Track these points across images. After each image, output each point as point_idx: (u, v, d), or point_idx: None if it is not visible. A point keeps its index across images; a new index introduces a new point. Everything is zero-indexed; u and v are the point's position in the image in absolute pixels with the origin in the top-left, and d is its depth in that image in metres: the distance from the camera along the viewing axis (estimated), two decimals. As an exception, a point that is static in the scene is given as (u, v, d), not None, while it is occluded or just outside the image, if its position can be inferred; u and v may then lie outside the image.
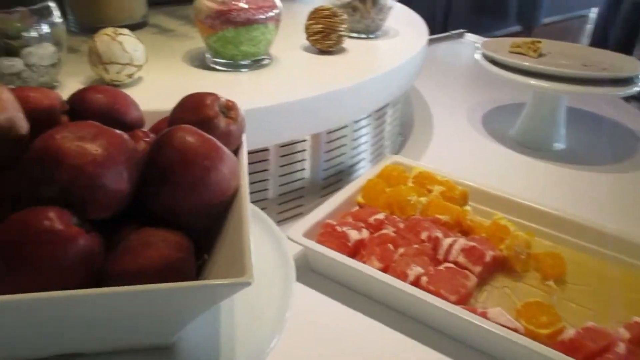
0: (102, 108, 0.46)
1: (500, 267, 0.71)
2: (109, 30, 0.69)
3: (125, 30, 0.70)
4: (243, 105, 0.69)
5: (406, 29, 1.04)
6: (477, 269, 0.68)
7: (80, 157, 0.35)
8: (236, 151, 0.47)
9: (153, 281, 0.33)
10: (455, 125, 1.15)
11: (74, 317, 0.33)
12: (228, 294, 0.34)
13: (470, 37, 1.70)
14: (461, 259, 0.69)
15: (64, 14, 0.92)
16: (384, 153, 0.98)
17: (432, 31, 1.67)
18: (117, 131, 0.38)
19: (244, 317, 0.44)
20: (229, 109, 0.45)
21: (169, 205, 0.38)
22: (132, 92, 0.70)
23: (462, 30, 1.70)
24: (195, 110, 0.43)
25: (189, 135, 0.38)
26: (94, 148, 0.35)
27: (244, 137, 0.48)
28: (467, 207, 0.78)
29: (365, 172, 0.86)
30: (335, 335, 0.63)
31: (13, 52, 0.65)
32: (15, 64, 0.65)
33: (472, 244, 0.70)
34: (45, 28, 0.67)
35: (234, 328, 0.43)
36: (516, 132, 1.09)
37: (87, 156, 0.35)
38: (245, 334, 0.42)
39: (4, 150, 0.38)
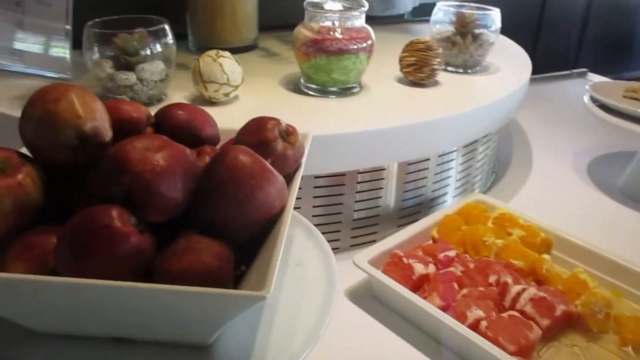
0: (181, 123, 0.52)
1: (574, 324, 0.67)
2: (212, 52, 0.76)
3: (227, 53, 0.77)
4: (325, 130, 0.73)
5: (509, 65, 1.02)
6: (545, 321, 0.65)
7: (142, 165, 0.40)
8: (294, 174, 0.50)
9: (190, 284, 0.37)
10: (557, 169, 1.09)
11: (116, 304, 0.37)
12: (246, 305, 0.37)
13: (593, 77, 1.60)
14: (528, 309, 0.66)
15: (185, 36, 1.03)
16: (471, 189, 0.96)
17: (563, 68, 1.60)
18: (180, 146, 0.43)
19: (282, 326, 0.46)
20: (288, 134, 0.48)
21: (216, 217, 0.42)
22: (227, 110, 0.77)
23: (583, 70, 1.61)
24: (256, 132, 0.47)
25: (241, 155, 0.42)
26: (155, 159, 0.40)
27: (303, 161, 0.51)
28: (546, 256, 0.74)
29: (445, 207, 0.85)
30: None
31: (129, 67, 0.74)
32: (129, 77, 0.73)
33: (542, 294, 0.67)
34: (158, 47, 0.75)
35: (270, 335, 0.45)
36: (624, 183, 1.01)
37: (148, 165, 0.40)
38: (279, 343, 0.45)
39: (90, 153, 0.44)
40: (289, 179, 0.49)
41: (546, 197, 0.99)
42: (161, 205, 0.40)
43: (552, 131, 1.26)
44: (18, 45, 0.85)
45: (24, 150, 0.46)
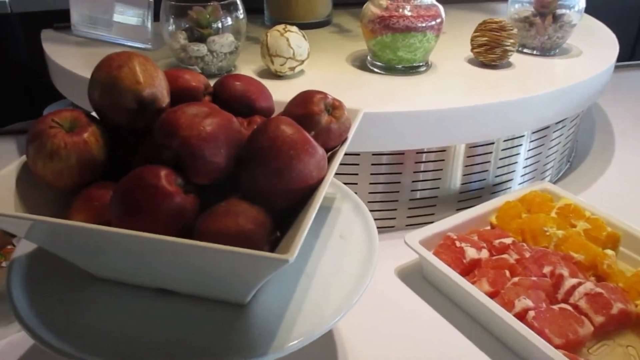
0: (236, 94, 0.54)
1: (632, 324, 0.64)
2: (280, 27, 0.78)
3: (294, 28, 0.78)
4: (385, 107, 0.73)
5: (593, 49, 0.95)
6: (599, 318, 0.62)
7: (189, 130, 0.42)
8: (339, 147, 0.51)
9: (224, 243, 0.39)
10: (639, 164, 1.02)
11: (154, 255, 0.41)
12: (271, 267, 0.38)
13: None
14: (583, 304, 0.64)
15: (262, 11, 1.06)
16: (541, 177, 0.92)
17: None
18: (228, 114, 0.45)
19: (317, 293, 0.48)
20: (334, 108, 0.49)
21: (256, 184, 0.43)
22: (291, 83, 0.79)
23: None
24: (302, 105, 0.48)
25: (283, 126, 0.43)
26: (202, 125, 0.43)
27: (350, 136, 0.52)
28: (609, 251, 0.70)
29: (508, 194, 0.82)
30: (424, 344, 0.63)
31: (201, 39, 0.77)
32: (200, 49, 0.77)
33: (600, 290, 0.64)
34: (228, 21, 0.78)
35: (305, 301, 0.47)
36: None
37: (194, 130, 0.42)
38: (312, 309, 0.46)
39: (148, 117, 0.47)
40: (334, 152, 0.50)
41: (621, 193, 0.93)
42: (205, 169, 0.43)
43: (641, 123, 1.18)
44: (107, 16, 0.91)
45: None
